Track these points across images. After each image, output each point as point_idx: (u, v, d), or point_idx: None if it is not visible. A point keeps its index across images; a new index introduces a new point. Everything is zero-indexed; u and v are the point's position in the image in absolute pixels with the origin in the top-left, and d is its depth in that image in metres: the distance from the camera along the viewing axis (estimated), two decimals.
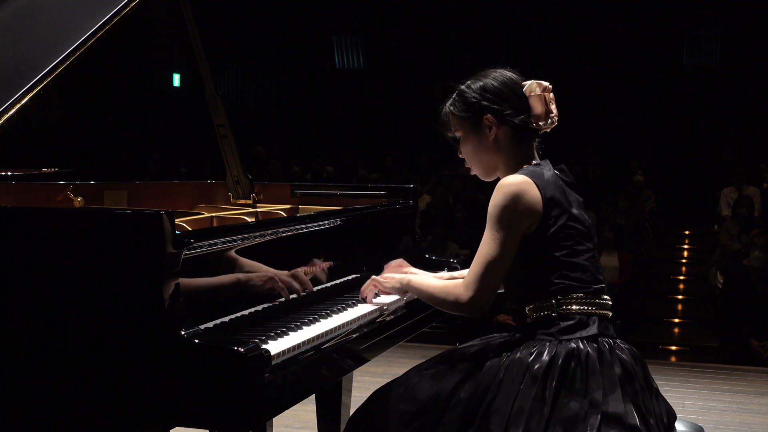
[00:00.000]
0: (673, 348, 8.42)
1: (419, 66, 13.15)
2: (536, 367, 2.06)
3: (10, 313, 1.89)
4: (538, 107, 2.27)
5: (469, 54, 12.49)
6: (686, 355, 8.02)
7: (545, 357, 2.07)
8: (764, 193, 9.66)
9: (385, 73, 13.70)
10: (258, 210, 3.04)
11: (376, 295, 2.52)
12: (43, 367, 1.87)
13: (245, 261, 2.18)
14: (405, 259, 3.06)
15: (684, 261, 10.82)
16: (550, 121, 2.29)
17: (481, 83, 2.29)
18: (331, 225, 2.61)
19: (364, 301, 2.48)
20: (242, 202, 3.17)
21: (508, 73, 2.32)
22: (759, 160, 10.52)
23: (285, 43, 14.50)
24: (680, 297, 9.87)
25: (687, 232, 11.32)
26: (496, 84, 2.28)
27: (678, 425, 2.27)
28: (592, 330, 2.13)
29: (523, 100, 2.27)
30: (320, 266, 2.49)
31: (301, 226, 2.46)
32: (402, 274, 2.46)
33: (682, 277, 10.34)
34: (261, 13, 14.43)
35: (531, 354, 2.09)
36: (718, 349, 7.02)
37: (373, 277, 2.49)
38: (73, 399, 1.85)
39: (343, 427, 2.72)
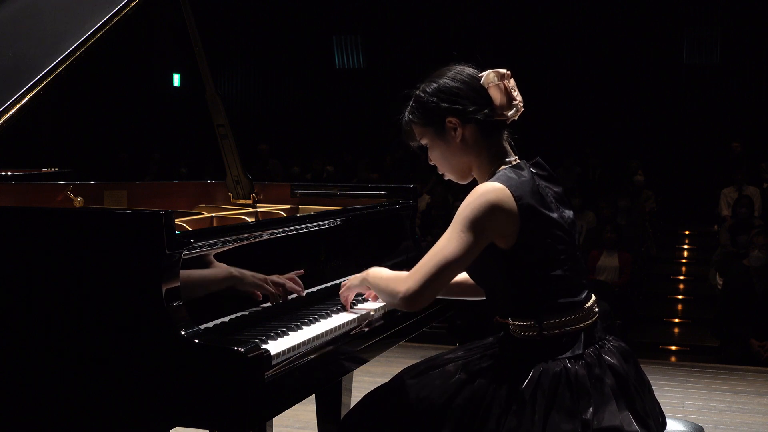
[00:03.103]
0: (673, 348, 8.42)
1: (419, 66, 13.12)
2: (523, 389, 2.02)
3: (10, 313, 1.89)
4: (498, 97, 2.13)
5: (469, 54, 12.48)
6: (686, 355, 8.03)
7: (532, 379, 2.03)
8: (764, 193, 9.67)
9: (385, 73, 13.70)
10: (258, 210, 3.04)
11: (365, 300, 2.46)
12: (44, 367, 1.87)
13: (245, 262, 2.18)
14: (404, 259, 3.06)
15: (684, 261, 10.84)
16: (515, 109, 2.16)
17: (435, 85, 2.17)
18: (331, 225, 2.61)
19: (360, 302, 2.45)
20: (242, 202, 3.17)
21: (464, 69, 2.19)
22: (759, 160, 10.52)
23: (285, 43, 14.51)
24: (680, 297, 9.88)
25: (687, 232, 11.34)
26: (451, 83, 2.16)
27: (678, 425, 2.27)
28: (578, 349, 2.08)
29: (482, 94, 2.14)
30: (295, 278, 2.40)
31: (301, 226, 2.46)
32: (363, 273, 2.33)
33: (682, 277, 10.35)
34: (261, 13, 14.44)
35: (518, 376, 2.05)
36: (718, 349, 7.01)
37: (350, 278, 2.38)
38: (74, 399, 1.85)
39: None
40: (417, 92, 2.22)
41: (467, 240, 2.02)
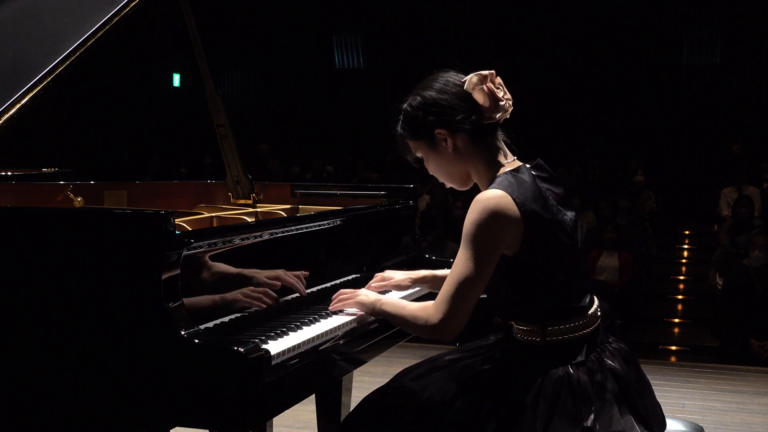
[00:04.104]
0: (673, 348, 8.42)
1: (419, 66, 13.12)
2: (525, 395, 2.02)
3: (10, 313, 1.89)
4: (482, 100, 2.12)
5: (470, 54, 12.50)
6: (686, 355, 8.02)
7: (534, 385, 2.02)
8: (764, 193, 9.66)
9: (385, 73, 13.69)
10: (258, 210, 3.04)
11: None
12: (44, 367, 1.87)
13: (245, 262, 2.18)
14: (404, 259, 3.06)
15: (684, 261, 10.83)
16: (502, 110, 2.14)
17: (420, 98, 2.16)
18: (331, 225, 2.61)
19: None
20: (242, 202, 3.16)
21: (448, 77, 2.18)
22: (759, 160, 10.52)
23: (285, 43, 14.51)
24: (680, 297, 9.88)
25: (687, 232, 11.33)
26: (436, 95, 2.15)
27: (678, 425, 2.27)
28: (581, 356, 2.07)
29: (467, 100, 2.13)
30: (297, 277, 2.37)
31: (301, 226, 2.46)
32: (376, 294, 2.31)
33: (682, 277, 10.34)
34: (261, 13, 14.43)
35: (519, 381, 2.05)
36: (718, 349, 7.01)
37: (355, 297, 2.31)
38: (74, 399, 1.85)
39: None
40: (404, 106, 2.22)
41: (481, 258, 2.02)
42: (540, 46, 13.25)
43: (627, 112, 13.02)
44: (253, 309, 2.16)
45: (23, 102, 2.19)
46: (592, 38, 13.18)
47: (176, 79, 15.02)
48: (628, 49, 13.05)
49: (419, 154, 2.24)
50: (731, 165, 10.41)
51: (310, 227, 2.50)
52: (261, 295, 2.19)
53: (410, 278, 2.53)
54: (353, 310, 2.32)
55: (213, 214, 2.83)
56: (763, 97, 12.67)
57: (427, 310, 2.09)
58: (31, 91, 2.21)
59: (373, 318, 2.35)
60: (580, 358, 2.07)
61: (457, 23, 13.74)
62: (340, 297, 2.34)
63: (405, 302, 2.23)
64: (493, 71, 2.16)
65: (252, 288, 2.19)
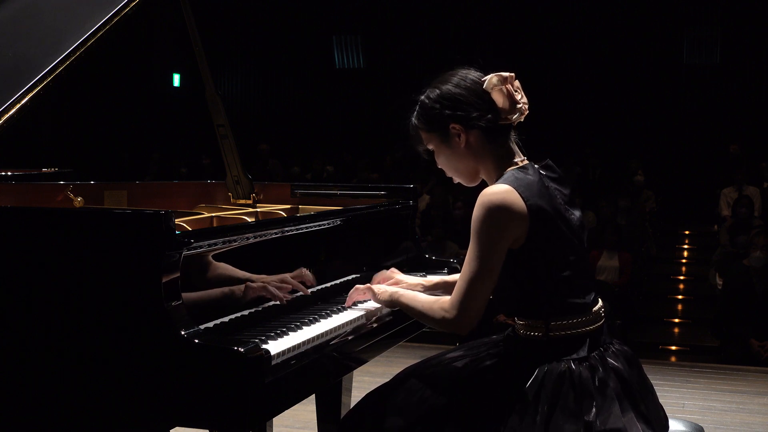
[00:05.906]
0: (673, 348, 8.42)
1: (419, 66, 13.14)
2: (526, 389, 2.02)
3: (10, 312, 1.89)
4: (500, 101, 2.15)
5: (470, 55, 12.47)
6: (686, 355, 8.03)
7: (536, 379, 2.03)
8: (764, 193, 9.66)
9: (385, 73, 13.70)
10: (258, 210, 3.04)
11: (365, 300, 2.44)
12: (44, 367, 1.87)
13: (245, 262, 2.18)
14: (404, 259, 3.06)
15: (684, 261, 10.84)
16: (519, 111, 2.17)
17: (438, 91, 2.18)
18: (331, 225, 2.61)
19: (362, 302, 2.43)
20: (242, 202, 3.17)
21: (468, 74, 2.20)
22: (759, 160, 10.52)
23: (285, 43, 14.51)
24: (680, 297, 9.88)
25: (687, 232, 11.34)
26: (454, 89, 2.17)
27: (678, 425, 2.27)
28: (583, 351, 2.08)
29: (485, 99, 2.16)
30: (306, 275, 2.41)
31: (301, 226, 2.46)
32: (393, 287, 2.36)
33: (682, 277, 10.34)
34: (261, 13, 14.43)
35: (521, 376, 2.05)
36: (718, 349, 7.01)
37: (368, 286, 2.38)
38: (74, 399, 1.85)
39: None
40: (422, 98, 2.23)
41: (488, 254, 2.04)
42: (540, 46, 13.25)
43: (627, 112, 13.01)
44: (253, 309, 2.16)
45: (23, 102, 2.19)
46: (592, 38, 13.18)
47: (176, 79, 15.02)
48: (628, 49, 13.06)
49: (430, 147, 2.26)
50: (731, 165, 10.41)
51: (310, 227, 2.50)
52: (276, 289, 2.22)
53: (422, 285, 2.50)
54: (354, 311, 2.33)
55: (213, 214, 2.83)
56: (763, 97, 12.67)
57: (443, 304, 2.12)
58: (31, 91, 2.21)
59: (373, 318, 2.36)
60: (582, 353, 2.08)
61: (457, 23, 13.73)
62: (358, 289, 2.38)
63: (422, 295, 2.26)
64: (512, 74, 2.18)
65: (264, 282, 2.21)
